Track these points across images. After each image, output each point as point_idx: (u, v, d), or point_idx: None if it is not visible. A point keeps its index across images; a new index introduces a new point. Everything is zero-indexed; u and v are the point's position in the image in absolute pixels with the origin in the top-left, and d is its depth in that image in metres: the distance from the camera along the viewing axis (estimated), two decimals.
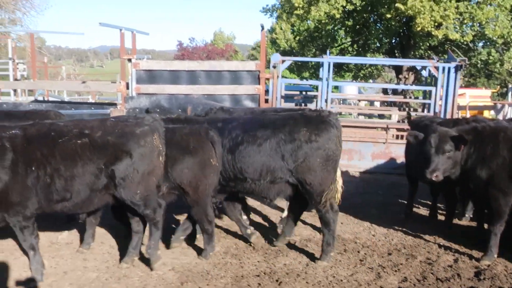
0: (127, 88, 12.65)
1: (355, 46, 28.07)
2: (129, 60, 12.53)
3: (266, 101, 12.89)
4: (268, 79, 12.75)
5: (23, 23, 31.80)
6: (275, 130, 6.09)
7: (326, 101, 12.91)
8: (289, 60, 13.42)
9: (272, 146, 6.03)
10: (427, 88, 13.98)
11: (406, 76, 24.07)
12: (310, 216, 8.31)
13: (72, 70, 49.39)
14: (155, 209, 5.72)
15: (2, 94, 15.83)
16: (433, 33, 19.46)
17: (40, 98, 17.48)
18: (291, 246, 6.80)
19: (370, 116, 22.63)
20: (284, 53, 39.19)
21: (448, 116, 12.49)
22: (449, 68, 12.53)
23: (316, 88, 19.63)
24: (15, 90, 16.61)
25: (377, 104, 28.40)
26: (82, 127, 5.46)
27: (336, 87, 30.78)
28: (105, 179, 5.42)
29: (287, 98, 15.95)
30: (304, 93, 16.62)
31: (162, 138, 5.70)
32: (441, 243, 6.96)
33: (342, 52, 29.17)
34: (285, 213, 7.62)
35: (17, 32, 27.75)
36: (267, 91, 13.07)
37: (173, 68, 12.72)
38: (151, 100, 12.25)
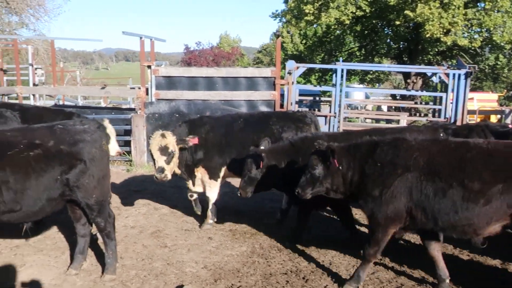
0: (147, 93, 13.08)
1: (363, 50, 28.42)
2: (149, 66, 12.96)
3: (281, 106, 13.30)
4: (283, 85, 13.15)
5: (35, 27, 32.47)
6: None
7: (339, 106, 13.30)
8: (304, 66, 13.80)
9: None
10: (438, 94, 14.32)
11: (414, 81, 24.39)
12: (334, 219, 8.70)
13: (78, 73, 49.77)
14: (106, 219, 5.80)
15: (22, 98, 16.18)
16: (441, 39, 19.79)
17: (59, 103, 17.92)
18: (313, 246, 7.15)
19: (377, 121, 22.96)
20: (292, 57, 39.61)
21: (458, 122, 12.86)
22: (459, 75, 12.90)
23: (324, 92, 20.03)
24: (34, 95, 17.05)
25: (384, 108, 28.78)
26: (32, 136, 5.36)
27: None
28: (60, 187, 5.41)
29: (300, 102, 16.36)
30: (317, 98, 17.02)
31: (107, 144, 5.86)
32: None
33: (350, 56, 29.55)
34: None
35: (37, 38, 28.30)
36: (282, 96, 13.48)
37: (191, 75, 13.14)
38: (170, 106, 12.68)
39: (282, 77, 13.46)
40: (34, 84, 17.57)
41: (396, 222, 5.34)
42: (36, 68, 18.66)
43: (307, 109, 10.83)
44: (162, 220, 8.30)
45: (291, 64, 13.16)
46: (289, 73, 13.04)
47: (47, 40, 27.89)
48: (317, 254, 6.84)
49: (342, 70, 13.37)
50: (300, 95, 18.13)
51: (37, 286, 5.69)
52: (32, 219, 5.66)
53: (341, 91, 13.31)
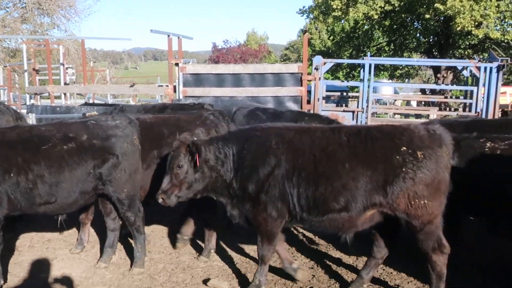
0: (174, 91, 13.19)
1: (391, 45, 28.07)
2: (176, 64, 13.05)
3: (308, 102, 13.23)
4: (310, 80, 13.07)
5: (67, 28, 33.18)
6: None
7: (367, 101, 13.16)
8: (331, 62, 13.70)
9: None
10: (468, 88, 14.03)
11: (445, 75, 23.96)
12: None
13: (108, 72, 50.63)
14: (136, 214, 5.90)
15: (54, 97, 16.57)
16: (473, 32, 19.38)
17: (89, 101, 18.25)
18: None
19: (406, 116, 22.61)
20: (319, 53, 39.36)
21: (490, 115, 12.59)
22: (491, 68, 12.60)
23: (352, 88, 19.87)
24: (65, 94, 17.38)
25: (413, 103, 28.37)
26: (66, 131, 5.51)
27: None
28: (94, 181, 5.56)
29: (328, 98, 16.28)
30: (345, 94, 16.90)
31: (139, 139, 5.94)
32: None
33: (379, 51, 29.20)
34: None
35: (68, 38, 28.93)
36: (308, 92, 13.40)
37: (219, 72, 13.17)
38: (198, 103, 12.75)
39: (309, 73, 13.38)
40: (65, 83, 17.93)
41: None
42: (67, 68, 19.03)
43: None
44: None
45: (318, 59, 13.07)
46: (316, 68, 12.95)
47: (78, 40, 28.48)
48: (342, 250, 6.77)
49: (370, 65, 13.22)
50: (328, 90, 18.10)
51: (68, 278, 5.82)
52: (66, 211, 5.78)
53: (368, 86, 13.15)
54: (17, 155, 5.11)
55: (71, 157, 5.30)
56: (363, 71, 13.33)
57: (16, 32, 30.31)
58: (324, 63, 13.36)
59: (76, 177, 5.35)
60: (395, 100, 29.05)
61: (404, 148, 4.77)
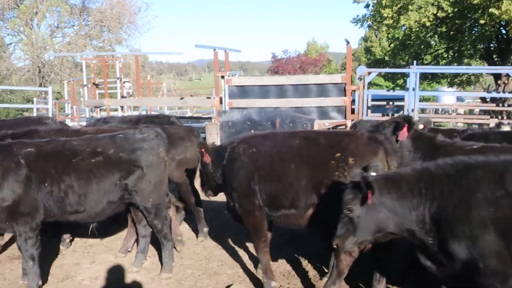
0: (221, 102, 13.61)
1: (450, 52, 27.34)
2: (222, 77, 13.49)
3: (353, 111, 13.22)
4: (355, 90, 13.08)
5: (128, 43, 34.81)
6: None
7: (413, 110, 13.01)
8: (375, 71, 13.66)
9: None
10: None
11: (506, 82, 23.02)
12: None
13: (172, 84, 52.50)
14: (163, 222, 6.20)
15: (110, 110, 17.47)
16: None
17: (144, 113, 19.07)
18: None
19: (469, 125, 21.85)
20: (378, 61, 38.87)
21: None
22: None
23: None
24: (122, 107, 18.26)
25: (477, 112, 27.29)
26: (95, 145, 5.88)
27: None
28: (120, 191, 5.90)
29: (374, 107, 16.15)
30: (391, 103, 16.62)
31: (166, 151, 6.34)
32: None
33: (436, 58, 28.53)
34: None
35: (124, 53, 30.38)
36: (354, 101, 13.39)
37: (263, 83, 13.48)
38: (243, 114, 13.08)
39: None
40: (122, 96, 18.84)
41: None
42: (124, 82, 20.00)
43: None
44: (225, 224, 8.60)
45: (361, 69, 13.11)
46: (360, 79, 12.96)
47: (141, 55, 29.81)
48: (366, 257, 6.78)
49: (416, 74, 13.08)
50: (383, 99, 17.76)
51: (101, 281, 6.25)
52: (95, 220, 6.23)
53: (415, 95, 13.00)
54: (51, 167, 5.56)
55: (99, 170, 5.70)
56: (409, 80, 13.21)
57: (81, 49, 32.15)
58: (369, 73, 13.35)
59: (103, 188, 5.74)
60: (457, 109, 28.09)
61: (339, 154, 5.13)
